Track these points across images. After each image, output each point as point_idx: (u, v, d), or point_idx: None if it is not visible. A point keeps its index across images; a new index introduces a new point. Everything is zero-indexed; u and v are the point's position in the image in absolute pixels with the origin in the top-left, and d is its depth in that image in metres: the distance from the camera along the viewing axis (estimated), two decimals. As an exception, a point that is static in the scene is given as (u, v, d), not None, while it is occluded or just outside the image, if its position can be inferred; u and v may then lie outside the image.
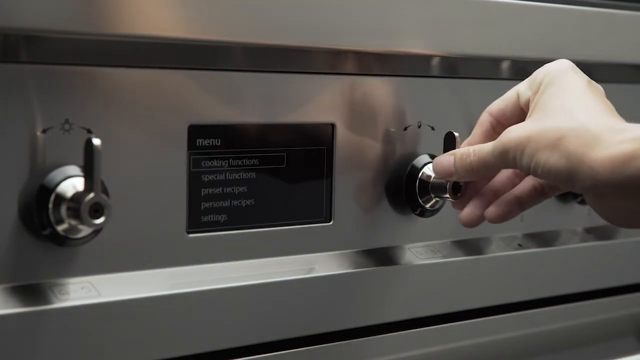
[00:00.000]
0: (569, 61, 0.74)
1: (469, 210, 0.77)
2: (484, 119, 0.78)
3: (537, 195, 0.77)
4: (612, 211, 0.69)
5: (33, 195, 0.65)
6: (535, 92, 0.73)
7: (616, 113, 0.71)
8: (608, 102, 0.72)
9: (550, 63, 0.75)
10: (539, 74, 0.74)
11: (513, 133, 0.71)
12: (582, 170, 0.66)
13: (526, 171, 0.70)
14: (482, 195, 0.77)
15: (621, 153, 0.65)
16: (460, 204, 0.79)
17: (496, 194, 0.77)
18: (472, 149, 0.75)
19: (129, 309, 0.69)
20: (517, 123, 0.76)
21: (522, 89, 0.76)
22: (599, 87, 0.73)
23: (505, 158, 0.71)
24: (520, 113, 0.76)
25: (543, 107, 0.71)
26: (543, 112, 0.71)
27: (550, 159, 0.68)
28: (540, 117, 0.71)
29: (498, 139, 0.72)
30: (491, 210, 0.76)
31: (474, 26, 0.85)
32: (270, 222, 0.77)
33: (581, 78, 0.73)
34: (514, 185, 0.77)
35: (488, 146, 0.73)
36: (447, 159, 0.77)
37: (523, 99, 0.75)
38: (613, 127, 0.67)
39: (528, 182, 0.77)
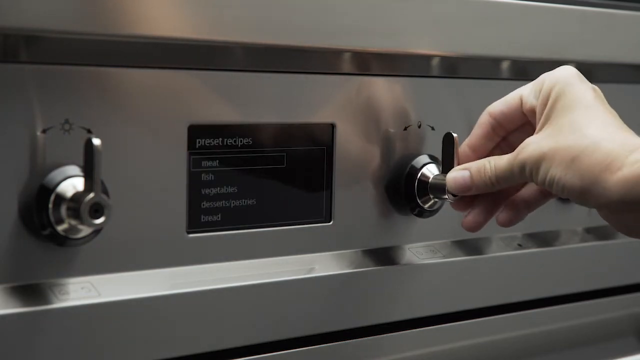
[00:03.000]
0: (573, 68, 0.74)
1: (472, 218, 0.77)
2: (484, 120, 0.78)
3: (543, 196, 0.78)
4: (626, 225, 0.70)
5: (33, 195, 0.65)
6: (544, 104, 0.73)
7: (623, 123, 0.71)
8: (613, 110, 0.72)
9: (555, 71, 0.74)
10: (545, 82, 0.73)
11: (530, 149, 0.71)
12: (595, 190, 0.67)
13: (541, 185, 0.71)
14: (484, 201, 0.77)
15: (635, 174, 0.66)
16: (458, 204, 0.79)
17: (496, 199, 0.77)
18: (488, 163, 0.75)
19: (129, 309, 0.69)
20: (518, 126, 0.77)
21: (525, 93, 0.75)
22: (599, 91, 0.73)
23: (523, 172, 0.72)
24: (521, 117, 0.76)
25: (555, 122, 0.71)
26: (555, 128, 0.71)
27: (564, 177, 0.69)
28: (552, 134, 0.71)
29: (515, 153, 0.72)
30: (502, 216, 0.77)
31: (474, 26, 0.85)
32: (270, 222, 0.77)
33: (588, 88, 0.72)
34: (517, 190, 0.78)
35: (505, 161, 0.73)
36: (461, 174, 0.76)
37: (527, 106, 0.75)
38: (625, 143, 0.68)
39: (533, 185, 0.77)
